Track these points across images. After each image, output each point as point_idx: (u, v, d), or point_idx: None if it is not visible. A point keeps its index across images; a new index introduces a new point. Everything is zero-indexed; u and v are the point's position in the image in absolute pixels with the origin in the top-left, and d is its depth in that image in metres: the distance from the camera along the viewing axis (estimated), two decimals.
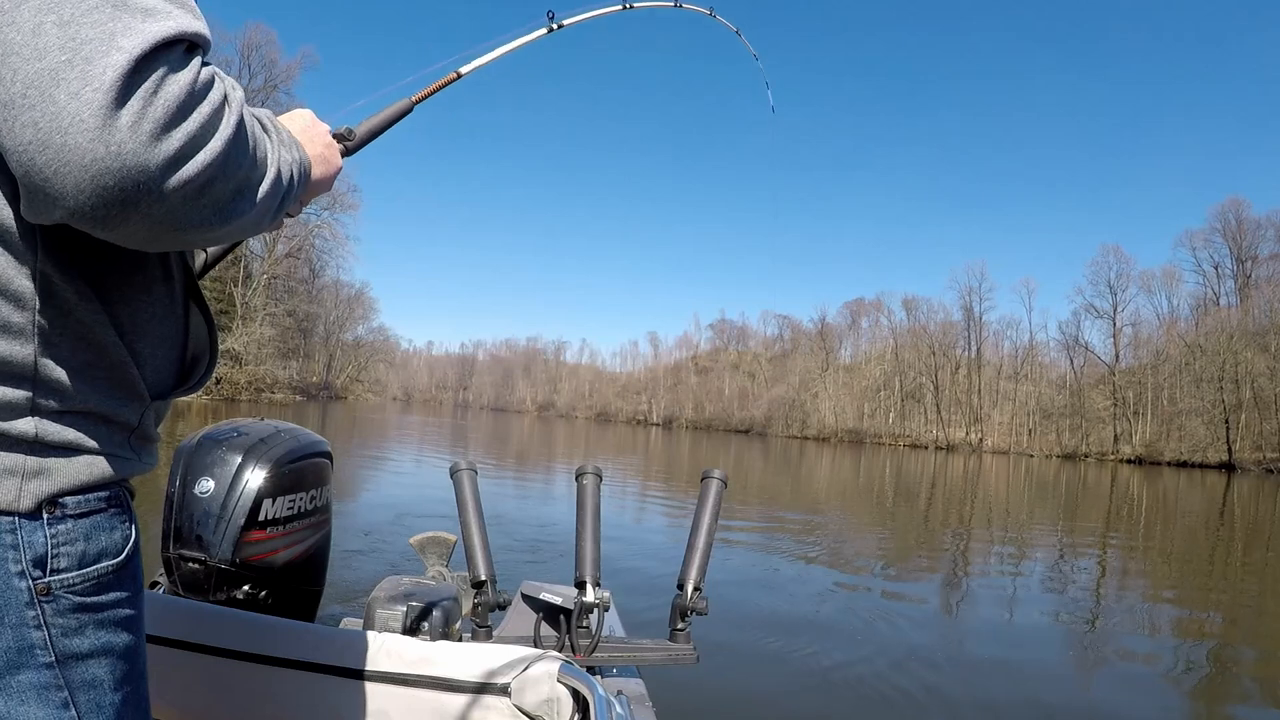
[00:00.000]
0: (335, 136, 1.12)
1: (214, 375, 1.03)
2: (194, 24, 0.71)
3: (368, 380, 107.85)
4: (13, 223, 0.75)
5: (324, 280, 75.94)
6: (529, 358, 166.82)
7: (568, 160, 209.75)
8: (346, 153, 1.17)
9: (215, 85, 0.73)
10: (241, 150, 0.75)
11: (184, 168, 0.69)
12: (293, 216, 1.05)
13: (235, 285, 56.80)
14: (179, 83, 0.68)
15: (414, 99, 1.34)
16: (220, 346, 1.16)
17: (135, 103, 0.66)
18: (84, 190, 0.66)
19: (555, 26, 1.59)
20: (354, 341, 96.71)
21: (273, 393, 55.09)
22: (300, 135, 0.96)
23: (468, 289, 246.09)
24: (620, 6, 1.73)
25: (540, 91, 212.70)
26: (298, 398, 61.01)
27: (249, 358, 53.74)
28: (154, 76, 0.67)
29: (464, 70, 1.44)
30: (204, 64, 0.73)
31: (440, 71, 1.42)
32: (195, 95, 0.70)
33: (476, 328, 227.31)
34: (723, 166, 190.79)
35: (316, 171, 0.98)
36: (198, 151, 0.70)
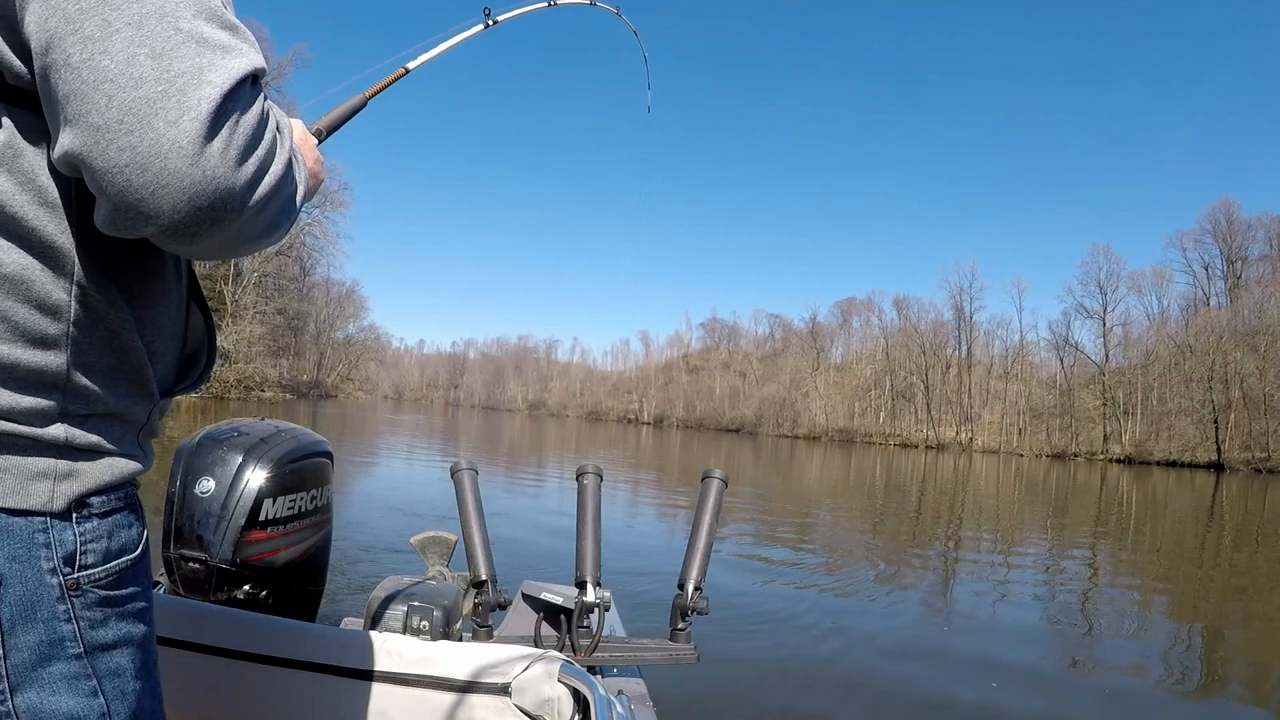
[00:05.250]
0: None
1: (212, 373, 1.07)
2: (259, 59, 0.78)
3: (358, 379, 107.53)
4: (53, 235, 0.79)
5: (314, 278, 75.67)
6: (520, 356, 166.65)
7: (561, 159, 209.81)
8: None
9: (271, 114, 0.81)
10: (290, 171, 0.84)
11: (258, 189, 0.77)
12: None
13: (225, 283, 56.46)
14: (253, 113, 0.76)
15: (367, 94, 1.42)
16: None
17: (224, 132, 0.72)
18: (180, 209, 0.72)
19: (491, 23, 1.66)
20: (345, 340, 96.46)
21: (262, 391, 54.83)
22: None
23: (459, 287, 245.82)
24: (545, 4, 1.81)
25: (535, 90, 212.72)
26: (288, 396, 60.73)
27: (239, 356, 53.43)
28: (237, 107, 0.74)
29: (411, 66, 1.51)
30: (263, 94, 0.81)
31: (390, 68, 1.50)
32: (262, 124, 0.78)
33: (468, 326, 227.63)
34: (716, 165, 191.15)
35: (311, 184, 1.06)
36: (265, 174, 0.78)
